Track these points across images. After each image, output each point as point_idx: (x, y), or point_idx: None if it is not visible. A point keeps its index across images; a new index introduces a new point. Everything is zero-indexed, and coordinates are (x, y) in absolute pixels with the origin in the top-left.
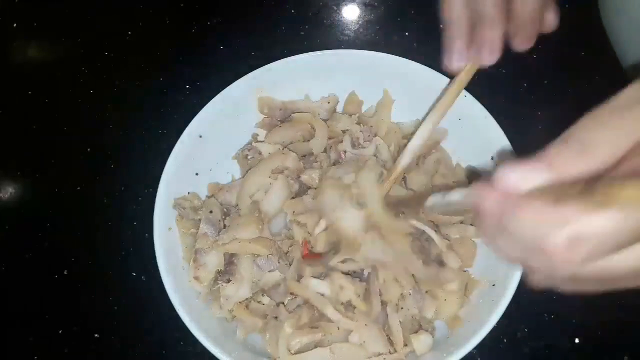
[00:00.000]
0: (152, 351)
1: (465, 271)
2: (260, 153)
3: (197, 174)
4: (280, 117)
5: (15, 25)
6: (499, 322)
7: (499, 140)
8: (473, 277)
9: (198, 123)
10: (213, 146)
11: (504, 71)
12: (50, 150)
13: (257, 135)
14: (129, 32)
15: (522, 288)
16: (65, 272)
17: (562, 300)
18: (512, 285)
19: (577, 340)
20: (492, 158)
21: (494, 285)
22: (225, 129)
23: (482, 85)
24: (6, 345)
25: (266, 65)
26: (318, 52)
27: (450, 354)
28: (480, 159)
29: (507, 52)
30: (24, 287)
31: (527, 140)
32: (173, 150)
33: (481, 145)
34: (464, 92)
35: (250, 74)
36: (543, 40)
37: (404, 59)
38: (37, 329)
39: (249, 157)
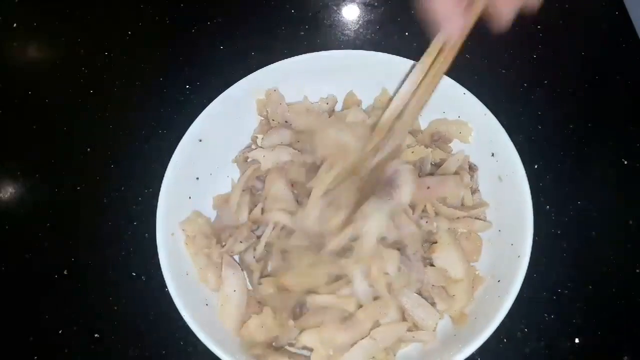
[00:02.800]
0: (152, 351)
1: (471, 266)
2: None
3: (197, 178)
4: (279, 119)
5: (15, 25)
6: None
7: (499, 136)
8: (478, 274)
9: (198, 126)
10: (213, 150)
11: (503, 71)
12: (50, 150)
13: (257, 137)
14: (129, 32)
15: (523, 287)
16: (65, 272)
17: (562, 300)
18: (517, 281)
19: (577, 340)
20: (492, 155)
21: (499, 281)
22: (225, 132)
23: (482, 85)
24: (6, 345)
25: (266, 67)
26: (321, 52)
27: (458, 351)
28: (480, 155)
29: (507, 52)
30: (24, 287)
31: (527, 140)
32: (173, 156)
33: (481, 141)
34: (463, 90)
35: (250, 76)
36: (543, 40)
37: (404, 59)
38: (37, 329)
39: (248, 159)
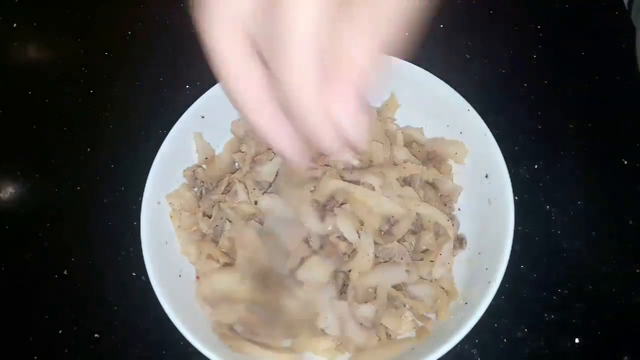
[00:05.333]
0: (152, 351)
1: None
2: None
3: (196, 151)
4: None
5: (15, 25)
6: (498, 322)
7: (495, 159)
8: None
9: (201, 103)
10: (214, 127)
11: (503, 71)
12: (50, 150)
13: None
14: (129, 32)
15: (523, 287)
16: (65, 272)
17: (562, 300)
18: (482, 306)
19: (577, 340)
20: (486, 176)
21: (466, 303)
22: (229, 115)
23: (482, 85)
24: (6, 345)
25: None
26: None
27: None
28: (474, 176)
29: (507, 52)
30: (24, 287)
31: (527, 140)
32: (174, 127)
33: (476, 161)
34: (468, 106)
35: None
36: (543, 40)
37: (414, 65)
38: (37, 329)
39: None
